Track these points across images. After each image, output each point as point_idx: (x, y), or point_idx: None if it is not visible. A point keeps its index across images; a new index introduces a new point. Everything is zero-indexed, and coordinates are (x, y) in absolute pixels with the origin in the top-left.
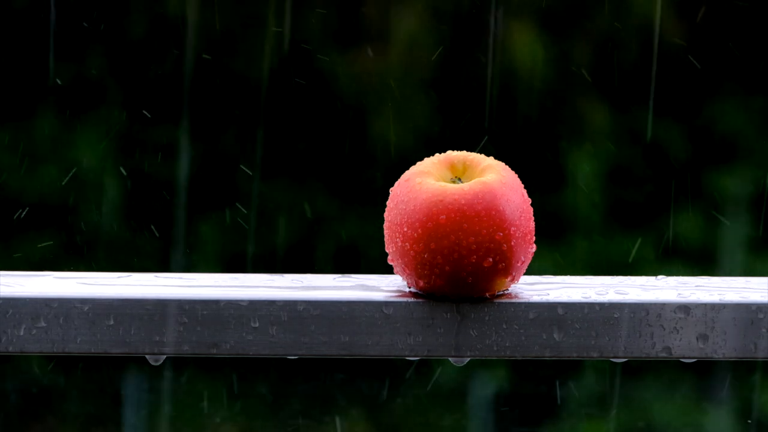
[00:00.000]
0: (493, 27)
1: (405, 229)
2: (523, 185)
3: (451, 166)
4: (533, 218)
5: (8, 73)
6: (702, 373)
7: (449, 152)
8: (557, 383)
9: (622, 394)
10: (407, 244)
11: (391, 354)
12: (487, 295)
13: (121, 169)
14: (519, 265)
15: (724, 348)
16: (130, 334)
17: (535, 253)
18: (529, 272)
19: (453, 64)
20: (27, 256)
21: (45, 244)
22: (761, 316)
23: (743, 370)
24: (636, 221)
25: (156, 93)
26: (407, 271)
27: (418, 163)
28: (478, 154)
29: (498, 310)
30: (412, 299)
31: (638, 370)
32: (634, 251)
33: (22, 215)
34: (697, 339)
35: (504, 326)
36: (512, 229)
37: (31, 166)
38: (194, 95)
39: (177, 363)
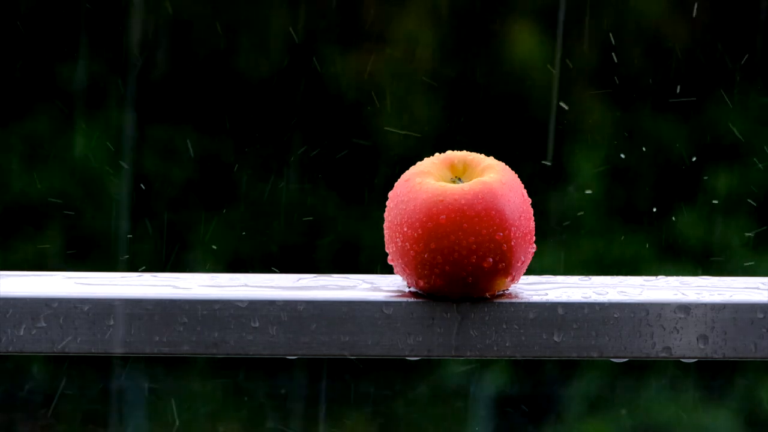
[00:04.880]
0: (493, 26)
1: (405, 229)
2: (523, 185)
3: (451, 166)
4: (533, 218)
5: (9, 73)
6: (702, 373)
7: (449, 152)
8: (557, 383)
9: (622, 394)
10: (407, 244)
11: (391, 354)
12: (487, 295)
13: (122, 169)
14: (519, 265)
15: (724, 348)
16: (130, 334)
17: (535, 252)
18: (529, 272)
19: (453, 64)
20: (27, 256)
21: (45, 244)
22: (761, 316)
23: (743, 369)
24: (636, 221)
25: (156, 93)
26: (407, 271)
27: (418, 163)
28: (478, 154)
29: (498, 310)
30: (412, 299)
31: (638, 370)
32: (634, 251)
33: (23, 215)
34: (697, 339)
35: (504, 326)
36: (512, 229)
37: (32, 166)
38: (195, 95)
39: (177, 363)
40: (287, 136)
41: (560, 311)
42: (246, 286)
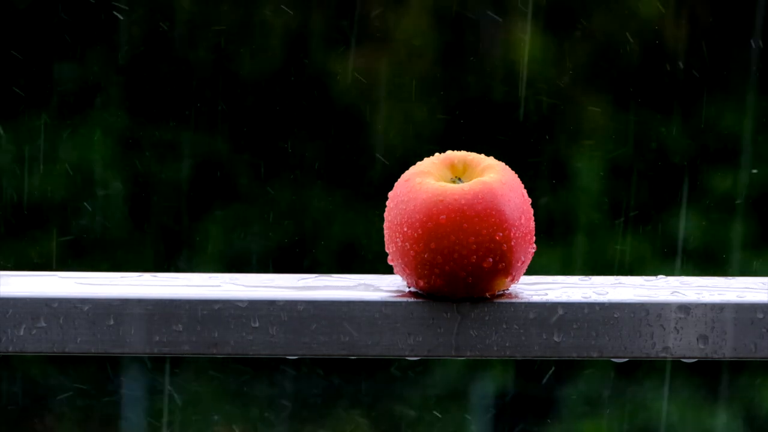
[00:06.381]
0: (493, 26)
1: (405, 229)
2: (523, 185)
3: (451, 166)
4: (533, 218)
5: (8, 73)
6: (702, 373)
7: (449, 152)
8: (557, 383)
9: (622, 394)
10: (407, 244)
11: (391, 354)
12: (487, 295)
13: (121, 168)
14: (519, 265)
15: (724, 348)
16: (130, 334)
17: (535, 252)
18: (529, 272)
19: (453, 64)
20: (27, 256)
21: (45, 244)
22: (761, 316)
23: (743, 370)
24: (636, 221)
25: (156, 92)
26: (407, 271)
27: (418, 163)
28: (478, 154)
29: (498, 310)
30: (412, 299)
31: (638, 370)
32: (634, 251)
33: (22, 215)
34: (697, 339)
35: (504, 326)
36: (512, 229)
37: (31, 166)
38: (194, 95)
39: (177, 363)
40: (286, 136)
41: (560, 311)
42: (246, 286)
